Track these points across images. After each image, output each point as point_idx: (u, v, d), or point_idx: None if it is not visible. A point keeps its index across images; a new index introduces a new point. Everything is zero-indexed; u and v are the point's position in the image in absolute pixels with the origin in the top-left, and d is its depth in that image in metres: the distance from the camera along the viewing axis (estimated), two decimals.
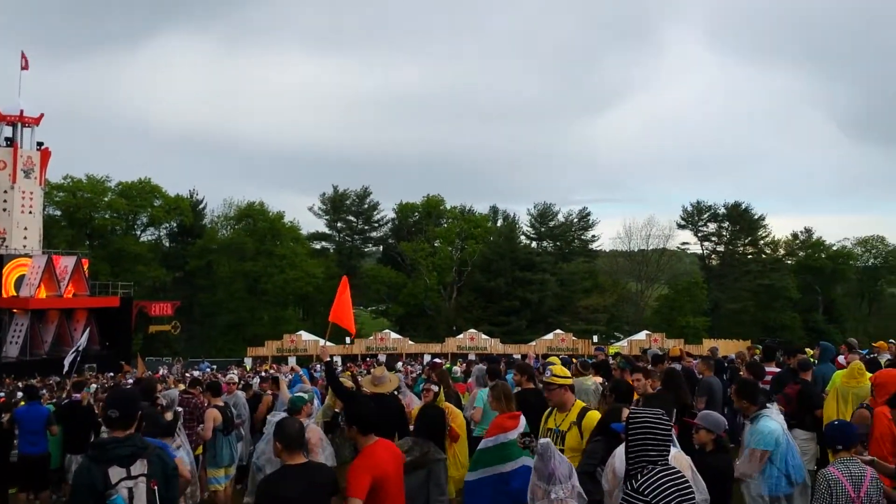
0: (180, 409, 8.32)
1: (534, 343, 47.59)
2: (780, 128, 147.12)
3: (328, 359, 9.10)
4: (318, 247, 69.84)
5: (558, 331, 50.88)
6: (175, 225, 63.65)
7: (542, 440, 5.25)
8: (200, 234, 62.65)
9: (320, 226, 70.54)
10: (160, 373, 31.23)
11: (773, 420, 6.30)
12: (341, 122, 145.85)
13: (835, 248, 65.41)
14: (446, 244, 64.19)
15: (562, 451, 5.29)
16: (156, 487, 4.09)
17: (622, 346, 40.56)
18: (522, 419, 6.23)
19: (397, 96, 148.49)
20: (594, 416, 5.69)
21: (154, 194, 61.02)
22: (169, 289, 59.79)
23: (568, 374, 6.16)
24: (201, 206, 65.91)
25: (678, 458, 4.82)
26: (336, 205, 69.22)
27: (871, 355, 12.55)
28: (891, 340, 16.35)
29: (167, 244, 65.55)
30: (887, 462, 5.82)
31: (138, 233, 62.72)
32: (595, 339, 48.38)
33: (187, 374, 27.82)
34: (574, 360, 11.93)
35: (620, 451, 4.22)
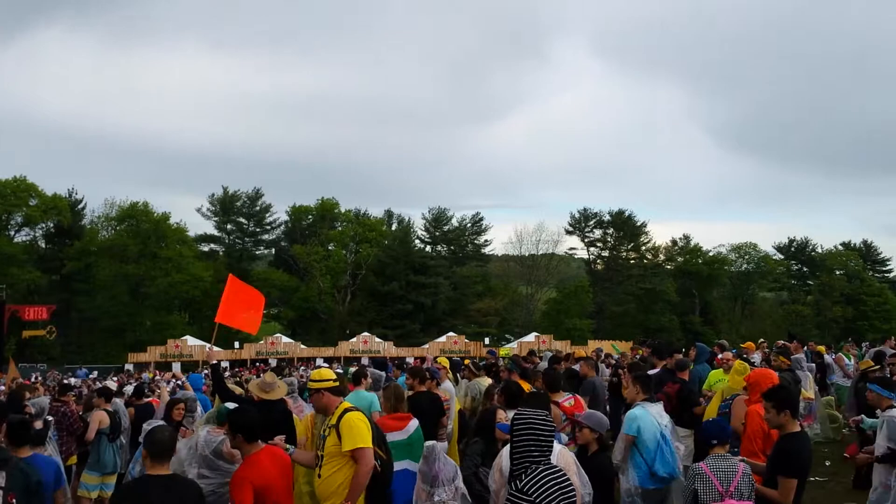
0: (51, 417, 7.88)
1: (427, 346, 47.90)
2: (662, 138, 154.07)
3: (214, 362, 8.83)
4: (206, 249, 67.72)
5: (451, 333, 51.44)
6: (52, 225, 60.17)
7: (427, 443, 5.27)
8: (79, 235, 59.52)
9: (209, 228, 68.56)
10: (31, 379, 29.38)
11: (644, 409, 6.47)
12: (233, 121, 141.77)
13: (711, 253, 68.96)
14: (340, 247, 63.63)
15: (321, 456, 5.07)
16: (14, 501, 3.84)
17: (512, 347, 41.35)
18: (412, 422, 6.22)
19: (292, 96, 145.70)
20: (350, 418, 5.17)
21: (30, 193, 57.57)
22: (44, 292, 56.41)
23: (330, 375, 5.61)
24: (80, 206, 62.66)
25: (563, 454, 4.94)
26: (226, 206, 67.35)
27: (743, 356, 13.37)
28: (760, 341, 17.45)
29: (43, 245, 61.92)
30: (759, 459, 6.16)
31: (12, 233, 58.91)
32: (487, 341, 49.14)
33: (65, 382, 26.27)
34: (467, 362, 12.09)
35: (507, 450, 4.30)
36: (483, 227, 72.06)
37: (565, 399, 7.30)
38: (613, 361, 15.53)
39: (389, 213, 72.52)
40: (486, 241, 72.51)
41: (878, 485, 6.36)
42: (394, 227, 70.60)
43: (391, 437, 5.91)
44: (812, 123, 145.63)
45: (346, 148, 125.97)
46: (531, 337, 48.67)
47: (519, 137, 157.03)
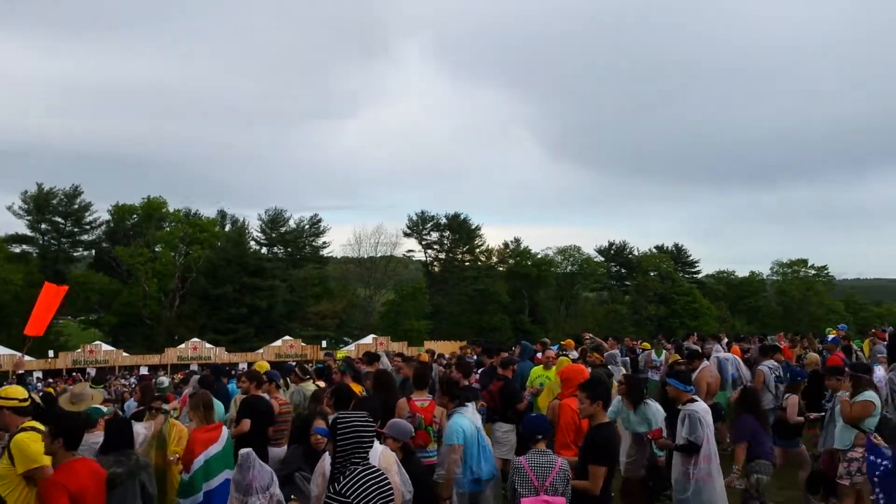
0: None
1: (262, 350, 46.63)
2: (496, 144, 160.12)
3: (20, 371, 8.23)
4: (17, 250, 62.01)
5: (287, 337, 50.44)
6: None
7: (242, 451, 5.18)
8: None
9: (21, 227, 62.78)
10: None
11: (464, 417, 6.64)
12: (50, 112, 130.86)
13: (539, 256, 72.26)
14: (168, 249, 60.60)
15: None
16: None
17: (350, 350, 41.23)
18: (223, 430, 6.08)
19: (116, 89, 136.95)
20: (18, 440, 4.89)
21: None
22: None
23: (17, 394, 5.36)
24: None
25: (385, 454, 5.05)
26: (40, 204, 61.97)
27: (563, 353, 14.17)
28: (587, 336, 18.51)
29: None
30: (570, 450, 6.56)
31: None
32: (324, 344, 48.64)
33: None
34: (296, 367, 11.97)
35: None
36: (322, 228, 71.36)
37: (421, 399, 7.35)
38: (445, 362, 15.94)
39: (223, 214, 70.05)
40: (324, 242, 71.94)
41: (679, 473, 6.79)
42: (227, 228, 68.15)
43: (210, 451, 5.75)
44: (631, 134, 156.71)
45: (175, 144, 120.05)
46: (369, 339, 48.73)
47: (359, 139, 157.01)
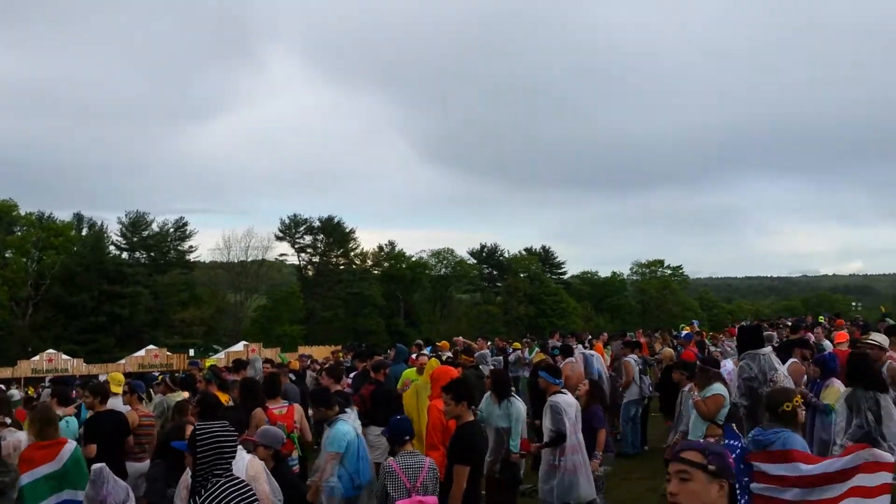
0: None
1: (124, 361, 44.28)
2: (371, 148, 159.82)
3: None
4: None
5: (151, 346, 48.14)
6: None
7: (95, 466, 4.98)
8: None
9: None
10: None
11: (347, 423, 6.69)
12: None
13: (414, 258, 72.94)
14: (20, 255, 56.58)
15: None
16: None
17: (219, 358, 39.88)
18: (66, 447, 5.78)
19: None
20: None
21: None
22: None
23: None
24: None
25: (253, 463, 4.97)
26: None
27: (437, 354, 14.38)
28: (456, 338, 18.91)
29: None
30: (438, 450, 6.66)
31: None
32: (192, 352, 46.80)
33: None
34: (160, 377, 11.54)
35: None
36: (187, 232, 68.63)
37: (278, 407, 7.22)
38: (318, 367, 15.79)
39: (79, 217, 66.11)
40: (191, 247, 69.19)
41: (546, 464, 7.08)
42: (84, 233, 64.36)
43: (41, 471, 5.43)
44: (502, 138, 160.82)
45: (25, 144, 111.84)
46: (240, 346, 47.29)
47: (228, 141, 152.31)
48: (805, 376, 8.31)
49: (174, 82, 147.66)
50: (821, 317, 26.12)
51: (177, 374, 12.62)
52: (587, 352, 12.95)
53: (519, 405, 7.44)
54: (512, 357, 15.53)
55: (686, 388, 7.89)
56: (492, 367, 13.03)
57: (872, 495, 4.35)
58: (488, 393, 7.68)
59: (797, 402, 4.89)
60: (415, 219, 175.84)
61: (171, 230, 68.10)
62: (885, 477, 4.36)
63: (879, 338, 8.09)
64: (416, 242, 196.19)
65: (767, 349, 7.97)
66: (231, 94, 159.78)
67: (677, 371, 8.59)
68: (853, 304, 69.16)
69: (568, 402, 7.15)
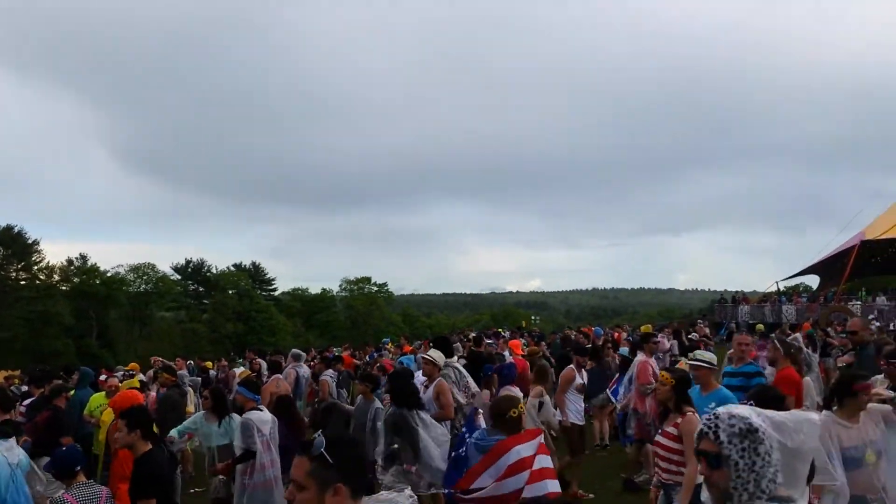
0: None
1: None
2: (60, 154, 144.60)
3: None
4: None
5: None
6: None
7: None
8: None
9: None
10: None
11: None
12: None
13: (110, 274, 67.47)
14: None
15: None
16: None
17: None
18: None
19: None
20: None
21: None
22: None
23: None
24: None
25: None
26: None
27: (131, 374, 13.71)
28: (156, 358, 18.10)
29: None
30: (127, 482, 6.44)
31: None
32: None
33: None
34: None
35: None
36: None
37: None
38: None
39: None
40: None
41: (238, 483, 7.06)
42: None
43: None
44: (210, 153, 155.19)
45: None
46: None
47: None
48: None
49: None
50: (502, 329, 29.23)
51: None
52: (301, 369, 13.30)
53: (238, 421, 7.45)
54: (220, 375, 15.42)
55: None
56: (189, 390, 12.88)
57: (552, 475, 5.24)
58: (202, 412, 7.58)
59: (521, 408, 5.60)
60: (112, 231, 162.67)
61: None
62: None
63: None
64: (113, 256, 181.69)
65: (454, 358, 9.00)
66: None
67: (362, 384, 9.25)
68: (533, 317, 77.42)
69: (263, 418, 7.29)
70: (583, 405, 9.42)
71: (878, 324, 23.52)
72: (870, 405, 4.77)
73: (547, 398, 8.69)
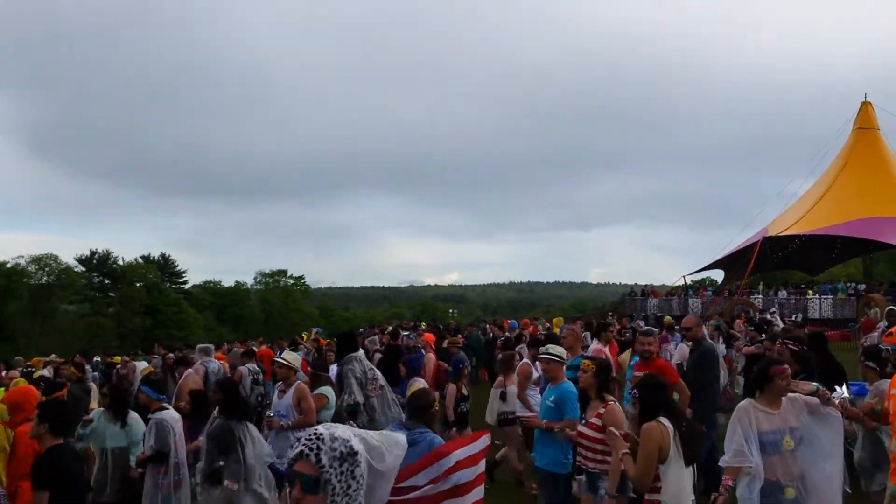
0: None
1: None
2: None
3: None
4: None
5: None
6: None
7: None
8: None
9: None
10: None
11: None
12: None
13: (9, 265, 64.33)
14: None
15: None
16: None
17: None
18: None
19: None
20: None
21: None
22: None
23: None
24: None
25: None
26: None
27: (29, 370, 13.12)
28: (51, 357, 17.26)
29: None
30: (26, 480, 6.12)
31: None
32: None
33: None
34: None
35: None
36: None
37: None
38: None
39: None
40: None
41: (149, 485, 6.84)
42: None
43: None
44: (116, 141, 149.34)
45: None
46: None
47: None
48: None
49: None
50: (422, 322, 29.29)
51: None
52: (211, 364, 12.87)
53: (136, 418, 7.29)
54: (122, 371, 14.80)
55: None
56: (93, 386, 12.35)
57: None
58: (101, 410, 7.32)
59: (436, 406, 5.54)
60: (11, 220, 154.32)
61: None
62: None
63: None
64: (11, 246, 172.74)
65: (360, 352, 8.96)
66: None
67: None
68: (450, 311, 78.05)
69: (174, 417, 7.11)
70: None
71: (777, 316, 24.67)
72: (797, 395, 4.97)
73: (511, 388, 8.64)
